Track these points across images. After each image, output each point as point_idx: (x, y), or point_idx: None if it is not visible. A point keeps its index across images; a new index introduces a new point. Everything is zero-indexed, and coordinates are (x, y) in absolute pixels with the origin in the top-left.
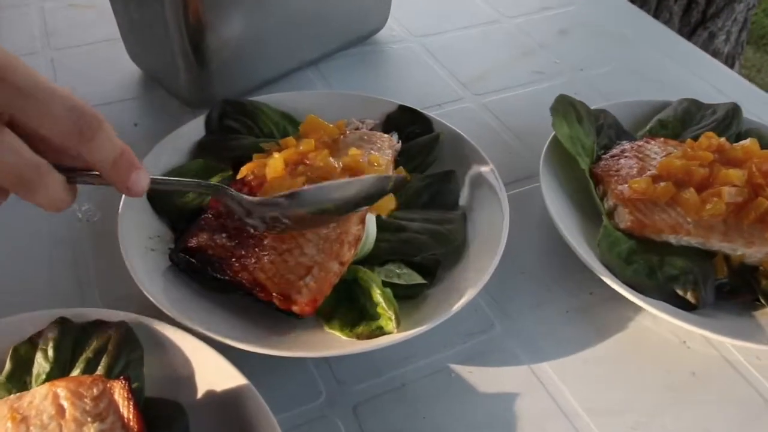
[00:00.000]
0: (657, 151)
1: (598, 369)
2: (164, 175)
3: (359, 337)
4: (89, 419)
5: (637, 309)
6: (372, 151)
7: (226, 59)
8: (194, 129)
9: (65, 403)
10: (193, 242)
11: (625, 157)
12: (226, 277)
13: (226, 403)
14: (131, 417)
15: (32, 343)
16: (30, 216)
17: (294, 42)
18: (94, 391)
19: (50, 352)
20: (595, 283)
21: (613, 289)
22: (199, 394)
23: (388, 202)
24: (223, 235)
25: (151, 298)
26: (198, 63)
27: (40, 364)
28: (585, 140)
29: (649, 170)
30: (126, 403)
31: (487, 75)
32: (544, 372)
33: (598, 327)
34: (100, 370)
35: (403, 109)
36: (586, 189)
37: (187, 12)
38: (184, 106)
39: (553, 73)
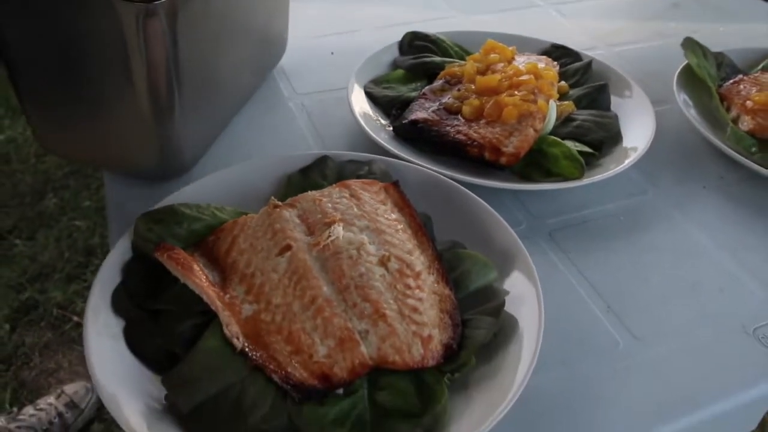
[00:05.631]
0: None
1: (735, 222)
2: (376, 79)
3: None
4: (376, 202)
5: (761, 188)
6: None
7: (192, 120)
8: (389, 51)
9: (356, 192)
10: (416, 116)
11: (744, 83)
12: (444, 139)
13: (460, 212)
14: (408, 207)
15: (303, 174)
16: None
17: (236, 79)
18: (374, 187)
19: (321, 178)
20: (724, 168)
21: (739, 175)
22: (437, 206)
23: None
24: (435, 111)
25: (387, 147)
26: (168, 135)
27: (316, 185)
28: (710, 69)
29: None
30: (401, 197)
31: (614, 33)
32: (692, 222)
33: (730, 199)
34: None
35: (555, 46)
36: (711, 109)
37: (156, 88)
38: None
39: (669, 34)
